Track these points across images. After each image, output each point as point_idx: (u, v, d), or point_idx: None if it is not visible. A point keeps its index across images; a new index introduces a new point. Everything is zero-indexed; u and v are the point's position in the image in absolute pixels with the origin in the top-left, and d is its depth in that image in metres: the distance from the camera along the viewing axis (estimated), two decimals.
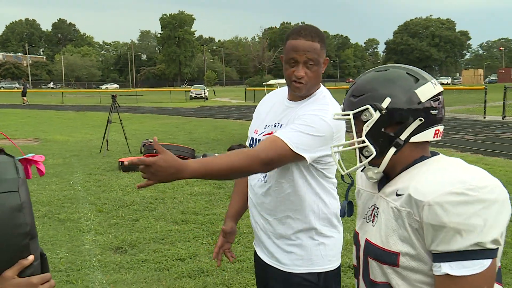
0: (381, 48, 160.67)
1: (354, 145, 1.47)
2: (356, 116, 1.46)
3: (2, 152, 1.38)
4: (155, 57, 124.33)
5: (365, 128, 1.44)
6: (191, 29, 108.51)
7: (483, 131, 16.84)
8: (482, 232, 1.22)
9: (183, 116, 26.84)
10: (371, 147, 1.44)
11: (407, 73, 1.44)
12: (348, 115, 1.47)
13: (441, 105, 1.44)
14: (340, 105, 1.64)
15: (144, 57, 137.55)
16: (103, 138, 12.76)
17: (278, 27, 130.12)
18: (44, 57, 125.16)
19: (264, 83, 16.35)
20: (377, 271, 1.43)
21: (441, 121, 1.45)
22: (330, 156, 2.04)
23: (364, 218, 1.55)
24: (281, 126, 2.13)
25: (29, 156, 1.45)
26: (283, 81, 15.98)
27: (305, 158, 1.95)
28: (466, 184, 1.24)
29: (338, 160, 1.66)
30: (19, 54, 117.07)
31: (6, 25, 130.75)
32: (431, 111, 1.41)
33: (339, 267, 2.19)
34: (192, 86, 58.45)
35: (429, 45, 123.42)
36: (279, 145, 1.91)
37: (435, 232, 1.26)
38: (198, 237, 5.64)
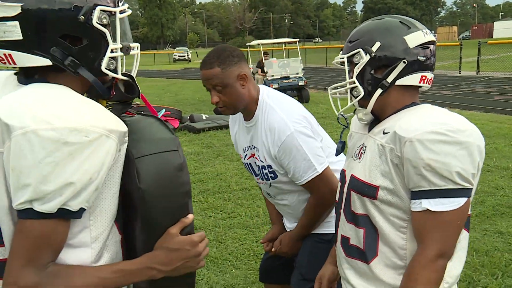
0: (359, 7, 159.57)
1: (346, 85, 1.59)
2: (350, 60, 1.57)
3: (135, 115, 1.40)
4: (137, 21, 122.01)
5: (356, 70, 1.55)
6: None
7: (459, 86, 16.96)
8: (455, 171, 1.33)
9: (167, 78, 26.69)
10: (360, 88, 1.55)
11: (400, 21, 1.55)
12: (343, 58, 1.59)
13: (432, 53, 1.54)
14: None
15: None
16: None
17: None
18: None
19: (247, 44, 16.13)
20: (357, 203, 1.56)
21: (429, 68, 1.55)
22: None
23: (352, 157, 1.67)
24: (255, 148, 2.18)
25: (162, 112, 1.45)
26: (266, 41, 15.92)
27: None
28: (448, 126, 1.34)
29: (334, 102, 1.74)
30: None
31: None
32: (418, 57, 1.51)
33: None
34: (175, 48, 57.82)
35: (406, 3, 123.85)
36: (318, 180, 2.05)
37: (413, 168, 1.36)
38: None
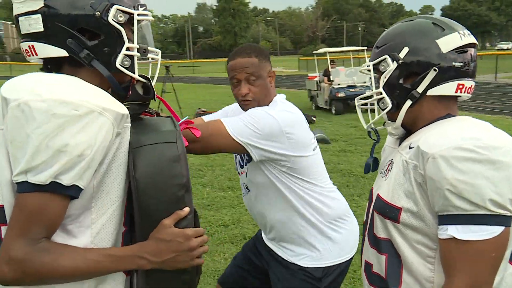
0: (437, 14, 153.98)
1: (373, 96, 1.44)
2: (376, 67, 1.42)
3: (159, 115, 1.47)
4: (211, 29, 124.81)
5: (383, 79, 1.39)
6: (246, 1, 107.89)
7: None
8: (487, 195, 1.12)
9: None
10: (387, 99, 1.39)
11: (433, 23, 1.37)
12: (369, 66, 1.45)
13: (470, 58, 1.35)
14: None
15: (201, 29, 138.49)
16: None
17: None
18: None
19: (313, 52, 15.90)
20: (380, 226, 1.39)
21: (468, 75, 1.35)
22: (292, 157, 1.91)
23: (381, 173, 1.51)
24: None
25: (185, 119, 1.55)
26: (332, 49, 15.60)
27: (244, 148, 1.85)
28: (478, 141, 1.15)
29: (364, 113, 1.60)
30: None
31: None
32: (454, 63, 1.32)
33: (348, 260, 2.10)
34: None
35: (489, 9, 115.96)
36: (217, 126, 1.84)
37: (437, 188, 1.18)
38: (242, 204, 5.64)
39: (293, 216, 2.02)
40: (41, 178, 1.07)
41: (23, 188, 1.09)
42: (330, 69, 13.93)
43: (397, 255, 1.34)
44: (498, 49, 49.38)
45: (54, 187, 1.09)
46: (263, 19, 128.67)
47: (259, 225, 2.25)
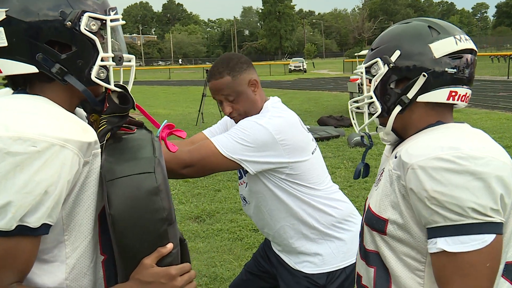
0: (491, 12, 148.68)
1: (364, 101, 1.40)
2: (369, 70, 1.38)
3: (142, 127, 1.37)
4: (257, 32, 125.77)
5: (373, 83, 1.35)
6: (291, 3, 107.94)
7: None
8: (468, 207, 1.07)
9: (279, 88, 26.79)
10: (377, 104, 1.35)
11: (428, 26, 1.33)
12: (362, 68, 1.41)
13: (465, 64, 1.28)
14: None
15: (246, 32, 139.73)
16: (199, 111, 13.17)
17: None
18: (155, 36, 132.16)
19: (355, 54, 15.67)
20: (368, 238, 1.35)
21: (462, 82, 1.29)
22: (290, 163, 1.88)
23: (375, 183, 1.45)
24: None
25: (164, 124, 1.41)
26: None
27: (239, 164, 1.82)
28: (457, 151, 1.10)
29: (357, 118, 1.56)
30: (134, 34, 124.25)
31: (123, 9, 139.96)
32: (447, 69, 1.26)
33: (354, 263, 2.04)
34: (291, 59, 58.56)
35: None
36: (207, 147, 1.82)
37: (419, 200, 1.13)
38: None
39: (295, 224, 1.99)
40: (4, 224, 0.97)
41: None
42: None
43: (386, 269, 1.29)
44: None
45: (21, 231, 0.99)
46: (309, 22, 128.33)
47: (263, 234, 2.22)
